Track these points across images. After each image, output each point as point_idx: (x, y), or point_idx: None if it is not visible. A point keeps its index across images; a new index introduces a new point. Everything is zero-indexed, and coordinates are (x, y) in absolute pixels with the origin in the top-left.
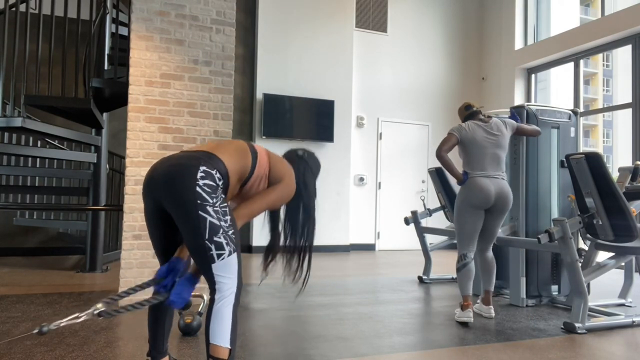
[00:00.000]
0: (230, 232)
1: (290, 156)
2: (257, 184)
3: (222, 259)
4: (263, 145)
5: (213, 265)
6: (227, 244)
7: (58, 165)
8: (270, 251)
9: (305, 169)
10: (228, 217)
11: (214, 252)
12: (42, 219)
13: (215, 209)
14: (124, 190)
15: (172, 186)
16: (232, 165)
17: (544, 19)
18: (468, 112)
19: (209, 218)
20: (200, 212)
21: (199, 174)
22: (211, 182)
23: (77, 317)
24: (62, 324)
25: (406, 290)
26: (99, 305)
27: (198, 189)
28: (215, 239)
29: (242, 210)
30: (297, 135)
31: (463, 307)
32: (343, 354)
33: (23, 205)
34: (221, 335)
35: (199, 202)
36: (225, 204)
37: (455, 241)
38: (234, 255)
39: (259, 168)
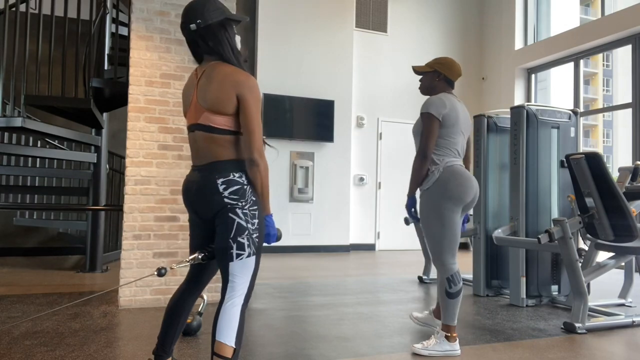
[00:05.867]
0: (255, 235)
1: (202, 45)
2: (232, 122)
3: (241, 259)
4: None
5: (230, 264)
6: (249, 245)
7: (58, 165)
8: None
9: (221, 34)
10: (256, 221)
11: (234, 252)
12: (42, 219)
13: (244, 211)
14: (124, 190)
15: (204, 206)
16: (221, 153)
17: (544, 19)
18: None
19: (237, 219)
20: (230, 214)
21: (221, 187)
22: (234, 187)
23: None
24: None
25: (406, 290)
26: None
27: (225, 199)
28: (239, 239)
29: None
30: (297, 135)
31: (452, 339)
32: (343, 354)
33: (23, 205)
34: (227, 334)
35: (229, 206)
36: (255, 207)
37: None
38: (253, 258)
39: (222, 125)
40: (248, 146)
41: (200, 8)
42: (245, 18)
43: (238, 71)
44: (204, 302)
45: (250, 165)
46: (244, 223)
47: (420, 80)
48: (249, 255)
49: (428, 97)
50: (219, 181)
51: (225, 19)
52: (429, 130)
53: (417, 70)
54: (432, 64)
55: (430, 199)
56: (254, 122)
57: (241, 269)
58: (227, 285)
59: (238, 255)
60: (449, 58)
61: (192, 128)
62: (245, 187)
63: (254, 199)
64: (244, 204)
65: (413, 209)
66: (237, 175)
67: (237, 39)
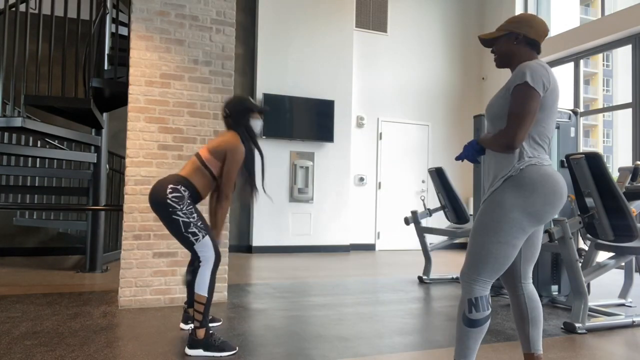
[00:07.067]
0: (199, 223)
1: (228, 123)
2: (216, 166)
3: (199, 240)
4: (263, 145)
5: (194, 246)
6: (199, 231)
7: (58, 165)
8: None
9: (239, 119)
10: (195, 214)
11: (192, 238)
12: (42, 219)
13: (184, 211)
14: (124, 190)
15: (155, 204)
16: (189, 174)
17: (544, 19)
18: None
19: (180, 219)
20: (173, 216)
21: (168, 191)
22: (178, 194)
23: None
24: None
25: (406, 290)
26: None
27: (169, 201)
28: (190, 230)
29: (218, 205)
30: (297, 135)
31: None
32: (343, 354)
33: (23, 205)
34: (202, 288)
35: (170, 209)
36: (191, 206)
37: (456, 241)
38: (207, 237)
39: (207, 162)
40: (223, 188)
41: (230, 103)
42: (265, 108)
43: (235, 138)
44: None
45: (219, 201)
46: (186, 219)
47: (493, 52)
48: (203, 237)
49: (521, 65)
50: (169, 186)
51: (246, 109)
52: (527, 109)
53: (485, 38)
54: (504, 26)
55: (501, 203)
56: (230, 173)
57: (203, 246)
58: (199, 257)
59: (196, 240)
60: (526, 13)
61: (196, 154)
62: (184, 197)
63: (189, 201)
64: (182, 207)
65: (471, 153)
66: (182, 188)
67: (259, 123)
